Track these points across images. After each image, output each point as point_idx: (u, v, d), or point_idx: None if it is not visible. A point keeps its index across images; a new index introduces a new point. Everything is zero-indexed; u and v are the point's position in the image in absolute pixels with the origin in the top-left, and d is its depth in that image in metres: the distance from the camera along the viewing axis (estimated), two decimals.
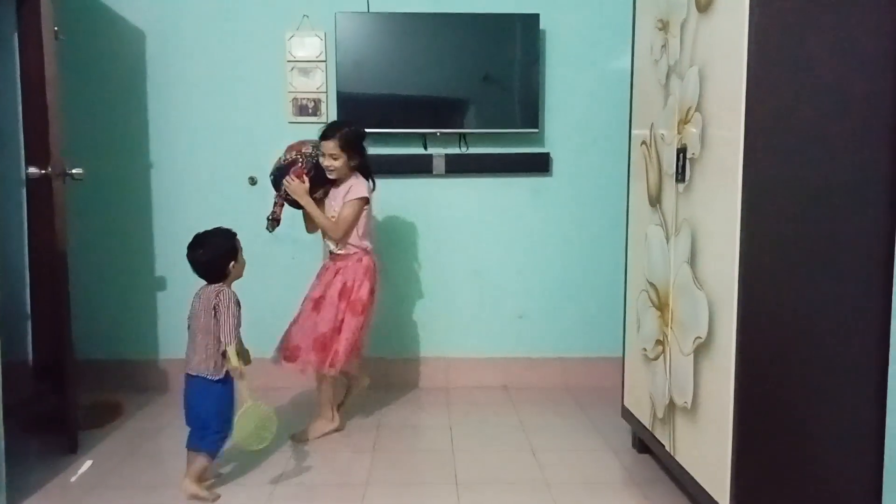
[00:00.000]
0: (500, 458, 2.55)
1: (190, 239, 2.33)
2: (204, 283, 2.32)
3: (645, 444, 2.41)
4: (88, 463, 2.48)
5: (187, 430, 2.78)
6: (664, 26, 2.17)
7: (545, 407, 3.09)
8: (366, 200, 2.68)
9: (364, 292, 2.70)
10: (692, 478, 1.96)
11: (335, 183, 2.69)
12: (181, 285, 3.31)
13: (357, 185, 2.67)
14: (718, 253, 1.79)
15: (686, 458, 2.01)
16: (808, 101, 1.66)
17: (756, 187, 1.66)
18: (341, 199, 2.67)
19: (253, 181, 3.29)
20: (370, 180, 2.72)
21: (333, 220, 2.68)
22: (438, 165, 3.29)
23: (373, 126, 3.20)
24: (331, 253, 2.77)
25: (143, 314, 3.34)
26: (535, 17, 3.16)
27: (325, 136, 2.63)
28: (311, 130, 3.27)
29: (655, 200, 2.25)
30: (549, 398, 3.21)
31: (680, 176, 2.02)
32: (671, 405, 2.10)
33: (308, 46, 3.25)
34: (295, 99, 3.27)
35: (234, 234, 2.33)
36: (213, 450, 2.22)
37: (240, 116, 3.28)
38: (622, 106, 2.66)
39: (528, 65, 3.20)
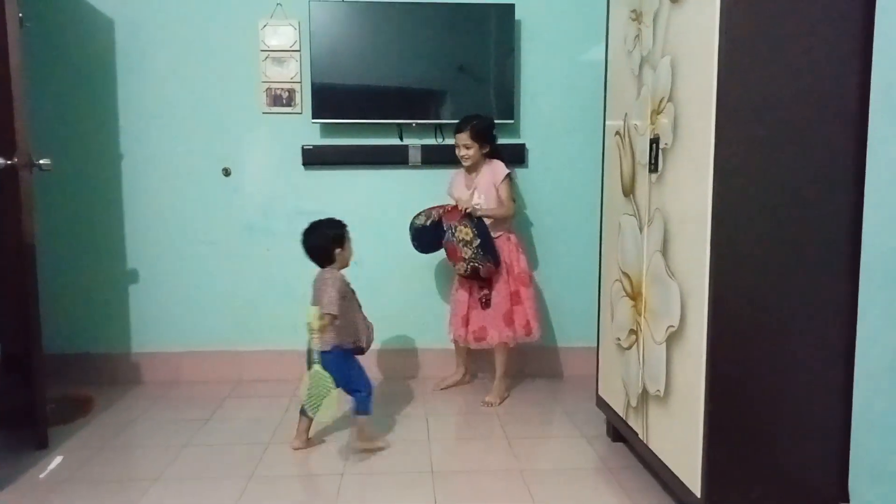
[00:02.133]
0: (476, 447, 2.56)
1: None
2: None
3: (619, 432, 2.43)
4: (58, 459, 2.44)
5: (160, 423, 2.78)
6: (637, 17, 2.18)
7: (521, 396, 3.11)
8: (509, 177, 3.02)
9: (524, 264, 3.05)
10: (665, 465, 1.98)
11: (471, 174, 3.03)
12: (153, 278, 3.29)
13: (497, 167, 2.99)
14: (690, 242, 1.80)
15: (659, 445, 2.04)
16: (778, 91, 1.67)
17: (727, 177, 1.68)
18: (488, 184, 2.97)
19: (226, 172, 3.26)
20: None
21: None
22: (414, 156, 3.28)
23: (348, 117, 3.19)
24: None
25: (114, 307, 3.29)
26: (510, 8, 3.16)
27: (458, 129, 2.97)
28: (285, 120, 3.26)
29: (629, 190, 2.26)
30: (524, 387, 3.23)
31: (653, 166, 2.03)
32: (644, 393, 2.12)
33: (282, 35, 3.21)
34: (269, 89, 3.23)
35: (343, 225, 2.55)
36: (365, 409, 2.49)
37: (212, 106, 3.24)
38: (597, 97, 2.68)
39: (504, 56, 3.19)
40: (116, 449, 2.55)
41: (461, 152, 2.97)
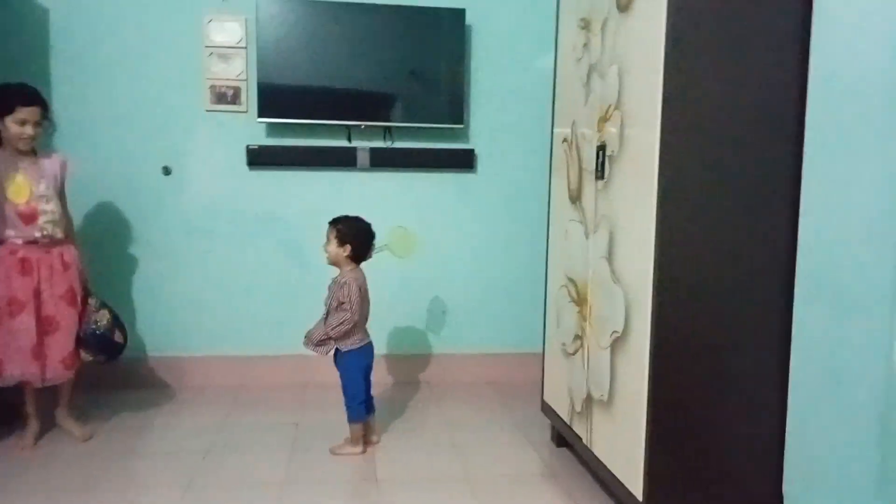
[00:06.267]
0: (421, 454, 2.54)
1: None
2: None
3: (564, 437, 2.45)
4: None
5: (95, 431, 2.65)
6: (586, 25, 2.20)
7: (467, 402, 3.10)
8: None
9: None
10: (607, 469, 2.00)
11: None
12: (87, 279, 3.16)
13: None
14: (635, 249, 1.83)
15: (602, 449, 2.05)
16: (722, 101, 1.71)
17: (671, 185, 1.71)
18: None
19: (166, 171, 3.15)
20: None
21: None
22: (363, 159, 3.24)
23: (295, 116, 3.13)
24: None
25: None
26: (461, 13, 3.16)
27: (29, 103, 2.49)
28: (230, 119, 3.18)
29: (576, 197, 2.28)
30: (471, 393, 3.22)
31: (599, 173, 2.05)
32: (588, 399, 2.14)
33: (228, 31, 3.13)
34: (213, 86, 3.14)
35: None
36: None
37: (153, 102, 3.13)
38: (545, 103, 2.69)
39: (454, 60, 3.19)
40: (48, 458, 2.43)
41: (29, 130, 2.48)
